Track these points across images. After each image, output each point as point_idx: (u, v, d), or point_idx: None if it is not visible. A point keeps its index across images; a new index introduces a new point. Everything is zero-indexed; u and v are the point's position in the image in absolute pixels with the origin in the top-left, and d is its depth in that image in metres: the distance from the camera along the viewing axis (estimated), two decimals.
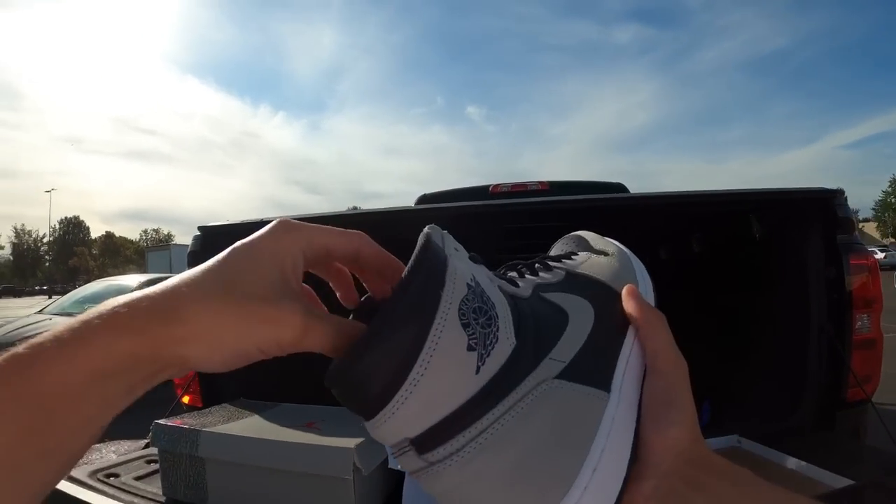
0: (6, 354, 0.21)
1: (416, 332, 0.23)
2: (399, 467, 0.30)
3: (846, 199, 1.21)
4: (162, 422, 1.03)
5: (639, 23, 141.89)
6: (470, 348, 0.23)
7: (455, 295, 0.24)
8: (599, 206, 1.29)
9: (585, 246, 0.40)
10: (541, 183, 2.64)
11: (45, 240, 62.48)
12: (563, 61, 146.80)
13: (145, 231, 76.43)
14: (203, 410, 1.16)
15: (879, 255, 25.15)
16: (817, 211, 1.23)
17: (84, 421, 0.22)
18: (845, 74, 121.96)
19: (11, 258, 58.46)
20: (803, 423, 1.22)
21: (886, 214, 50.36)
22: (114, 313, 0.22)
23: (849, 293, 1.18)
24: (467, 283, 0.24)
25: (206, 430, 0.95)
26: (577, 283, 0.33)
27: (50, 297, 36.95)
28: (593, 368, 0.27)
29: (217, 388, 1.45)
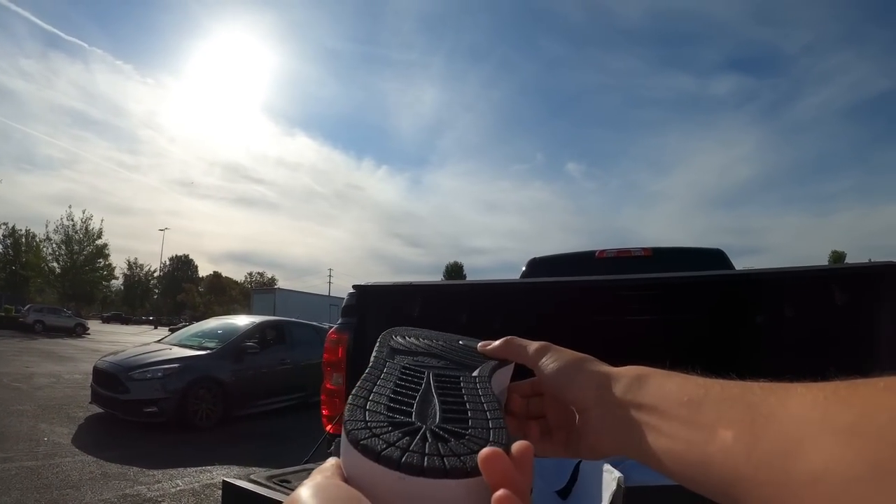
0: None
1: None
2: None
3: None
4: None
5: (737, 72, 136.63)
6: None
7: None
8: (700, 281, 1.50)
9: None
10: (644, 249, 2.83)
11: (155, 274, 67.00)
12: (662, 115, 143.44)
13: (250, 274, 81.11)
14: None
15: None
16: (888, 284, 1.44)
17: None
18: None
19: (122, 288, 62.69)
20: None
21: None
22: None
23: None
24: None
25: None
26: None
27: (155, 328, 39.88)
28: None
29: None
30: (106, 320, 50.48)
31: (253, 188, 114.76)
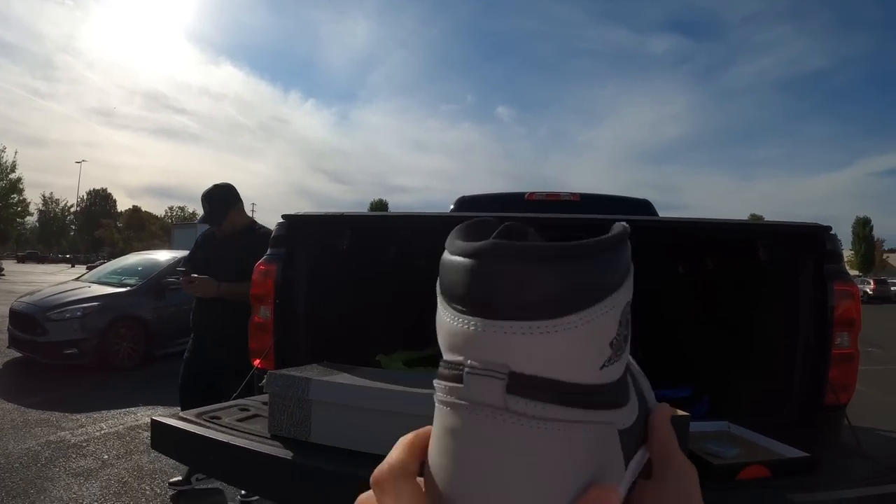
0: None
1: (608, 284, 0.21)
2: (442, 397, 0.22)
3: (835, 235, 1.46)
4: (275, 371, 1.31)
5: (676, 33, 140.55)
6: (611, 344, 0.21)
7: (628, 291, 0.22)
8: (630, 225, 1.54)
9: None
10: (573, 194, 2.88)
11: (71, 209, 63.62)
12: (598, 67, 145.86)
13: (171, 208, 77.69)
14: (299, 367, 1.44)
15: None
16: (810, 243, 1.48)
17: None
18: (883, 100, 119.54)
19: (38, 225, 59.52)
20: (788, 420, 1.48)
21: None
22: None
23: (832, 314, 1.43)
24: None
25: (316, 378, 1.24)
26: (635, 381, 0.29)
27: (72, 266, 38.13)
28: (629, 451, 0.25)
29: (290, 357, 1.74)
30: (21, 259, 47.78)
31: (175, 118, 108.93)
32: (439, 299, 0.22)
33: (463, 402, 0.20)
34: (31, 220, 52.01)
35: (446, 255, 0.22)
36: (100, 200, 66.09)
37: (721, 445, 1.23)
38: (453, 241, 0.22)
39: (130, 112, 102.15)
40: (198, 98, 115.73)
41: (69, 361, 5.29)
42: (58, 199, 62.21)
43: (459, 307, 0.20)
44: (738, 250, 1.79)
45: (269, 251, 1.85)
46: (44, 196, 60.31)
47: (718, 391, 1.65)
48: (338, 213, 1.91)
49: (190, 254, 2.78)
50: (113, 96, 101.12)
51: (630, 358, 0.25)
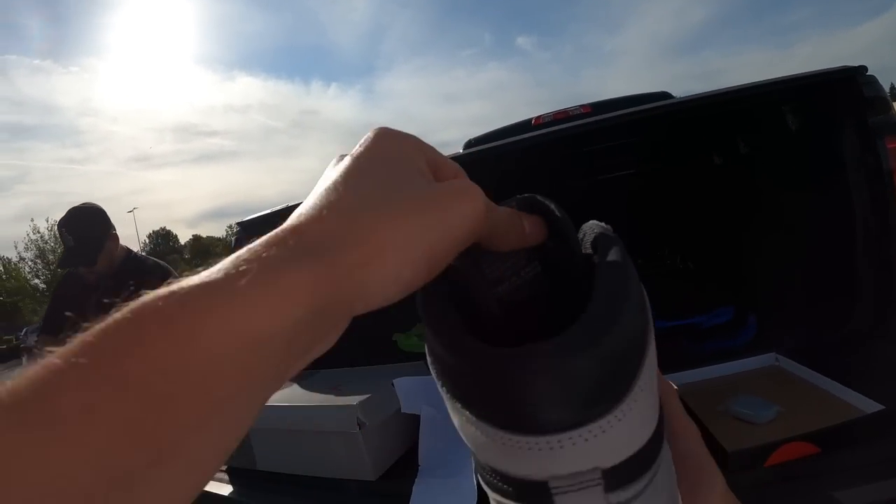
0: (150, 296, 0.15)
1: (643, 327, 0.18)
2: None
3: (874, 77, 1.09)
4: None
5: None
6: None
7: (646, 306, 0.20)
8: (636, 119, 1.18)
9: None
10: (583, 106, 2.60)
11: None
12: None
13: (230, 226, 79.53)
14: None
15: None
16: (844, 94, 1.11)
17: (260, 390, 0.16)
18: None
19: None
20: (856, 331, 1.14)
21: None
22: (281, 243, 0.17)
23: (890, 179, 1.07)
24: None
25: None
26: None
27: None
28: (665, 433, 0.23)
29: None
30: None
31: (209, 142, 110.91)
32: (453, 403, 0.19)
33: None
34: None
35: (450, 360, 0.18)
36: (161, 240, 68.73)
37: (754, 404, 0.88)
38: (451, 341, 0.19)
39: (165, 149, 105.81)
40: (224, 116, 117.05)
41: None
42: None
43: (496, 425, 0.17)
44: (764, 124, 1.43)
45: None
46: None
47: (764, 307, 1.31)
48: (290, 207, 1.71)
49: (50, 315, 1.84)
50: (144, 141, 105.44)
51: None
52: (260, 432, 1.03)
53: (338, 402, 0.92)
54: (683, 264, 1.85)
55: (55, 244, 37.20)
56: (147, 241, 67.60)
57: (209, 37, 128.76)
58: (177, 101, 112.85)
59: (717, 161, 1.80)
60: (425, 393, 0.98)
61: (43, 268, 37.62)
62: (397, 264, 0.18)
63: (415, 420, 0.95)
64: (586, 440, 0.16)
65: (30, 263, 37.40)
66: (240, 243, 1.59)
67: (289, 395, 1.06)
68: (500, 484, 0.18)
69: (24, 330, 24.83)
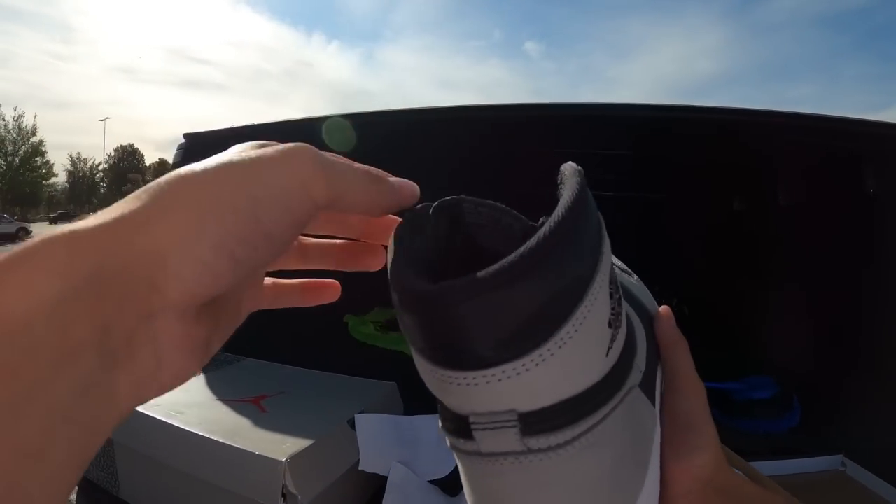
0: None
1: (582, 275, 0.17)
2: (454, 445, 0.16)
3: None
4: None
5: None
6: (609, 324, 0.18)
7: (608, 256, 0.18)
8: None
9: None
10: None
11: (100, 167, 63.61)
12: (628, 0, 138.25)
13: None
14: None
15: None
16: None
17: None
18: None
19: (67, 185, 60.63)
20: None
21: None
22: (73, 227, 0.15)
23: None
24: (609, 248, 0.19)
25: None
26: (627, 295, 0.24)
27: None
28: (652, 385, 0.23)
29: None
30: (53, 220, 48.79)
31: (198, 69, 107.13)
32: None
33: (481, 455, 0.17)
34: (61, 181, 53.42)
35: (394, 300, 0.18)
36: (127, 156, 66.59)
37: None
38: (396, 279, 0.17)
39: (153, 67, 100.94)
40: (220, 47, 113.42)
41: None
42: (85, 159, 62.86)
43: (429, 360, 0.17)
44: (832, 174, 1.07)
45: None
46: (71, 156, 61.02)
47: (817, 391, 0.99)
48: (245, 126, 1.28)
49: None
50: (134, 53, 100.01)
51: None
52: (128, 451, 0.66)
53: (256, 447, 0.56)
54: (701, 334, 1.43)
55: (16, 136, 36.12)
56: (113, 153, 64.87)
57: None
58: (176, 19, 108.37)
59: (737, 208, 1.40)
60: (398, 440, 0.63)
61: None
62: (198, 221, 0.16)
63: (376, 483, 0.61)
64: (499, 380, 0.16)
65: None
66: (178, 165, 1.19)
67: (185, 399, 0.69)
68: (442, 413, 0.19)
69: None
